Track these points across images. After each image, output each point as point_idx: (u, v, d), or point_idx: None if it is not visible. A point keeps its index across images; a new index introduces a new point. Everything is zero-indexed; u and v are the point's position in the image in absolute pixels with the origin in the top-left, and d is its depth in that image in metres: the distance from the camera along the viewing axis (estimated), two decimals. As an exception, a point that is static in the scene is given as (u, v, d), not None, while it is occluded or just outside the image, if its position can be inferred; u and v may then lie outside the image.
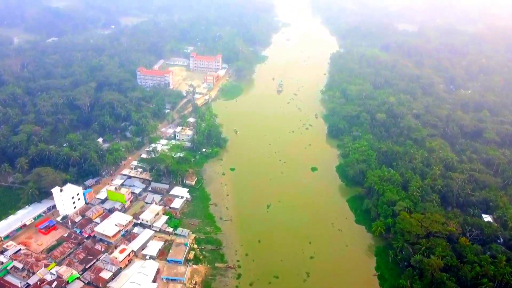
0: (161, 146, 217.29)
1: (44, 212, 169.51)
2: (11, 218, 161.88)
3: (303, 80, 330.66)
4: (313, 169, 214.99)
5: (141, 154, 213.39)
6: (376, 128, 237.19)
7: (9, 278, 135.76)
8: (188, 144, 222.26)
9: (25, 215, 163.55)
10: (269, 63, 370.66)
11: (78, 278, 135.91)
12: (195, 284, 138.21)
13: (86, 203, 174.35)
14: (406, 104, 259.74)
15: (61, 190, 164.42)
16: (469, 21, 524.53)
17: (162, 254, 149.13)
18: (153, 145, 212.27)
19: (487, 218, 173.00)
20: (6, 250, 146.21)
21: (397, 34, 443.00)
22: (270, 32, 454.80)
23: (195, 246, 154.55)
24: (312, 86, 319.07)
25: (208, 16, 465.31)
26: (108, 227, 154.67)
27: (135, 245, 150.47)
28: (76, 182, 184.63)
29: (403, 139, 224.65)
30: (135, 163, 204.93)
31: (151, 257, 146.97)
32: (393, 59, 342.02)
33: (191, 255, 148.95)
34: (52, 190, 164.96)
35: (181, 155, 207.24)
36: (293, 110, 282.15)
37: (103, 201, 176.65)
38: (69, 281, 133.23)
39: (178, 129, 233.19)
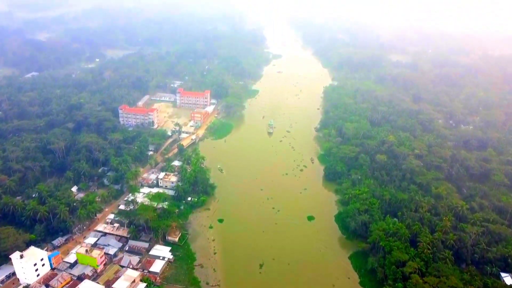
0: (142, 195, 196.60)
1: (2, 281, 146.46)
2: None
3: (296, 116, 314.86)
4: (310, 218, 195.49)
5: (119, 205, 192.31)
6: (377, 171, 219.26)
7: None
8: (171, 193, 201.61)
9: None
10: (260, 98, 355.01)
11: None
12: None
13: (52, 269, 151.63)
14: (406, 143, 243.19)
15: (21, 256, 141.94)
16: (462, 52, 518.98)
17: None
18: (131, 197, 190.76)
19: (506, 277, 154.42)
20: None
21: (391, 66, 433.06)
22: (261, 64, 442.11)
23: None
24: (305, 123, 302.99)
25: (197, 49, 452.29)
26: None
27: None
28: (43, 241, 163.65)
29: (407, 184, 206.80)
30: (111, 216, 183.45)
31: None
32: (389, 94, 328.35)
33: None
34: (11, 256, 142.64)
35: (164, 205, 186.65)
36: (286, 149, 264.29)
37: (72, 265, 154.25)
38: None
39: (161, 175, 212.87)
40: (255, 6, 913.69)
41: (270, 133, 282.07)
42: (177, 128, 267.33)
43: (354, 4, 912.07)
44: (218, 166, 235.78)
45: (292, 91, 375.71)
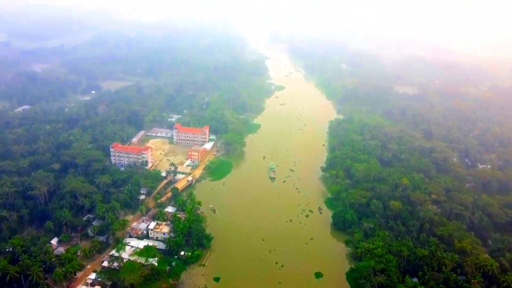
0: (130, 248, 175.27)
1: None
2: None
3: (300, 153, 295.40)
4: (318, 275, 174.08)
5: (103, 261, 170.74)
6: (391, 219, 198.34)
7: None
8: (162, 246, 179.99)
9: None
10: (262, 133, 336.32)
11: None
12: None
13: None
14: (422, 187, 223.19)
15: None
16: (469, 83, 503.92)
17: None
18: (115, 253, 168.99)
19: None
20: None
21: (398, 98, 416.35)
22: (263, 96, 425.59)
23: None
24: (310, 161, 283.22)
25: (197, 80, 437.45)
26: None
27: None
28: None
29: (426, 236, 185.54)
30: (93, 276, 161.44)
31: None
32: (399, 130, 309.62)
33: None
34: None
35: (154, 262, 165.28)
36: (290, 191, 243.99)
37: None
38: None
39: (152, 224, 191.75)
40: (256, 35, 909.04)
41: (272, 178, 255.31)
42: (173, 168, 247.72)
43: (355, 32, 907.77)
44: (211, 206, 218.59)
45: (296, 125, 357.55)
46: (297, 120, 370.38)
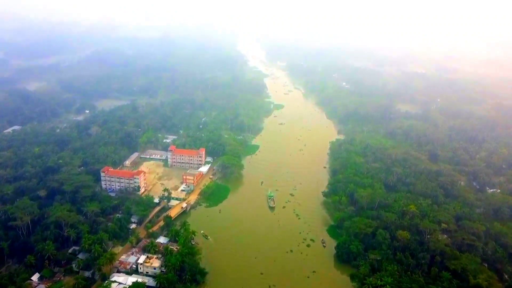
0: (117, 285, 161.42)
1: None
2: None
3: (301, 176, 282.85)
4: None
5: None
6: (399, 251, 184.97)
7: None
8: (153, 283, 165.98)
9: None
10: (260, 154, 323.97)
11: None
12: None
13: None
14: (430, 214, 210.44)
15: None
16: (472, 101, 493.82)
17: None
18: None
19: None
20: None
21: (401, 117, 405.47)
22: (261, 115, 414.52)
23: None
24: (311, 184, 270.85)
25: (194, 99, 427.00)
26: None
27: None
28: None
29: (437, 269, 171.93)
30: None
31: None
32: (403, 151, 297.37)
33: None
34: None
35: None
36: (290, 218, 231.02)
37: None
38: None
39: (142, 258, 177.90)
40: (255, 53, 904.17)
41: (272, 208, 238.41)
42: (166, 194, 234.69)
43: (354, 49, 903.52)
44: (202, 231, 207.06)
45: (296, 145, 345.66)
46: (296, 140, 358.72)
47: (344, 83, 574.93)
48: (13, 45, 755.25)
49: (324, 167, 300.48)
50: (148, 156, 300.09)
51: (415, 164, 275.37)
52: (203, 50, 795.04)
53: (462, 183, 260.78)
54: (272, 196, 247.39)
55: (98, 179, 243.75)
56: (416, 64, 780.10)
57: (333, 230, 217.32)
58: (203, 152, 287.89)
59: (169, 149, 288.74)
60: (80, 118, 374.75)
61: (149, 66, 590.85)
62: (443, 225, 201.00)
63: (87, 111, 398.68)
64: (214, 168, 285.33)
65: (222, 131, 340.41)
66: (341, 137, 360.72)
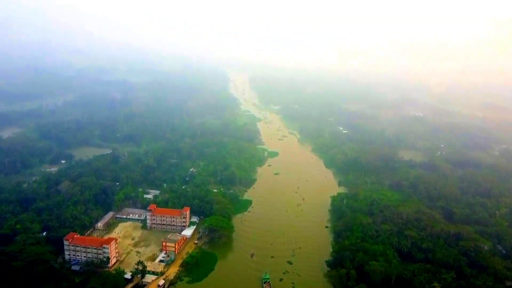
0: None
1: None
2: None
3: (300, 238, 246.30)
4: None
5: None
6: None
7: None
8: None
9: None
10: (253, 211, 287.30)
11: None
12: None
13: None
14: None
15: None
16: (477, 147, 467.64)
17: None
18: None
19: None
20: None
21: (405, 166, 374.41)
22: (254, 165, 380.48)
23: None
24: (312, 250, 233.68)
25: (181, 147, 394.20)
26: None
27: None
28: None
29: None
30: None
31: None
32: (415, 209, 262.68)
33: None
34: None
35: None
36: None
37: None
38: None
39: None
40: (248, 96, 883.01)
41: None
42: (140, 267, 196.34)
43: (349, 92, 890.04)
44: None
45: (293, 199, 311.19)
46: (294, 193, 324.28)
47: (341, 128, 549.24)
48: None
49: (326, 227, 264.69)
50: (125, 216, 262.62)
51: (430, 226, 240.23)
52: (193, 94, 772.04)
53: (486, 247, 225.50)
54: (268, 279, 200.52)
55: (61, 249, 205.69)
56: (412, 107, 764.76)
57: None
58: (188, 212, 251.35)
59: (148, 208, 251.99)
60: (54, 169, 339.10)
61: (135, 111, 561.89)
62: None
63: (63, 161, 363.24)
64: (199, 230, 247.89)
65: (210, 186, 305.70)
66: (343, 189, 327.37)
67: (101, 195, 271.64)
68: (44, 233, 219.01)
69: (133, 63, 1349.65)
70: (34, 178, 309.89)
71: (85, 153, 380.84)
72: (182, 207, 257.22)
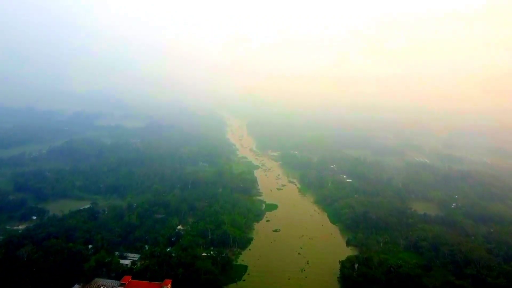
0: None
1: None
2: None
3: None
4: None
5: None
6: None
7: None
8: None
9: None
10: (249, 281, 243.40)
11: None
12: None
13: None
14: None
15: None
16: (494, 197, 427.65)
17: None
18: None
19: None
20: None
21: (420, 222, 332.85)
22: (251, 221, 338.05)
23: None
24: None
25: (169, 200, 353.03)
26: None
27: None
28: None
29: None
30: None
31: None
32: (441, 281, 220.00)
33: None
34: None
35: None
36: None
37: None
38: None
39: None
40: (245, 142, 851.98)
41: None
42: None
43: (349, 137, 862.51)
44: None
45: (296, 263, 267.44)
46: (296, 254, 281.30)
47: (344, 176, 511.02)
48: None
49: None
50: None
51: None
52: (188, 138, 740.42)
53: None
54: None
55: None
56: (416, 152, 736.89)
57: None
58: (169, 286, 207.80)
59: (120, 281, 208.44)
60: (22, 227, 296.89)
61: (123, 158, 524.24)
62: None
63: (34, 217, 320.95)
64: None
65: (199, 248, 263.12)
66: (352, 250, 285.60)
67: (67, 262, 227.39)
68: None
69: (129, 107, 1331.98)
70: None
71: (61, 207, 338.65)
72: (163, 279, 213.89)
